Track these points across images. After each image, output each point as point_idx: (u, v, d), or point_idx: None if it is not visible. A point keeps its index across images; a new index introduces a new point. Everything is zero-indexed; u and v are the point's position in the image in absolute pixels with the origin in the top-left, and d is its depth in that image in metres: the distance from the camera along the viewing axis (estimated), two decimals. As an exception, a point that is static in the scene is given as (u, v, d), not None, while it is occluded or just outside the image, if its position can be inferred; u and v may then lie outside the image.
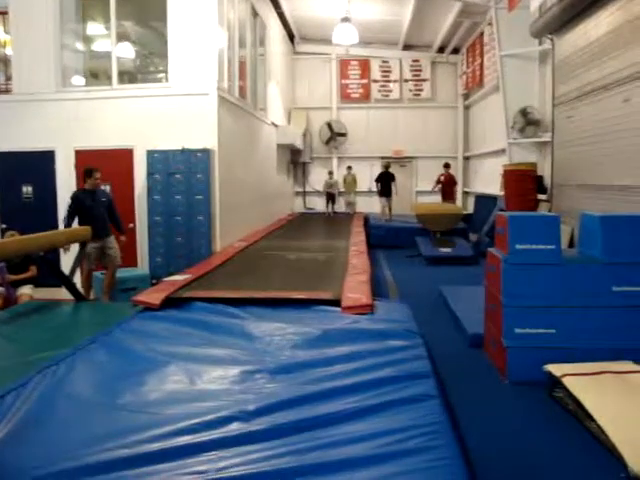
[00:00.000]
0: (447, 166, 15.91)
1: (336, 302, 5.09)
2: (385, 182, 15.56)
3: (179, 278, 6.27)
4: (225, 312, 5.02)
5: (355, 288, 5.54)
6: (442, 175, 15.89)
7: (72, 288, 6.62)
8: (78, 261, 6.97)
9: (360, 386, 3.37)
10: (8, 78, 9.59)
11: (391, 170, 15.98)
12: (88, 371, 3.70)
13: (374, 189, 18.34)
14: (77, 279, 6.89)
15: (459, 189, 17.54)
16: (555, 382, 4.19)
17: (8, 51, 9.62)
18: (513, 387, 4.59)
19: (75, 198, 7.18)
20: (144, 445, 2.67)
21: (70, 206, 7.12)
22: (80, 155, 9.06)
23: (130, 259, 8.77)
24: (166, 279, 6.45)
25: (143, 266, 8.70)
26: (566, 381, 4.03)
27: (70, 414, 3.06)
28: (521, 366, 4.63)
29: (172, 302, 5.32)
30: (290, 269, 7.53)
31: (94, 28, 10.24)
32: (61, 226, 7.50)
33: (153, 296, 5.41)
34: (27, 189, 9.25)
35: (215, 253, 8.60)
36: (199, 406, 3.12)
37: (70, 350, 4.08)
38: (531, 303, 4.69)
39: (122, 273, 7.47)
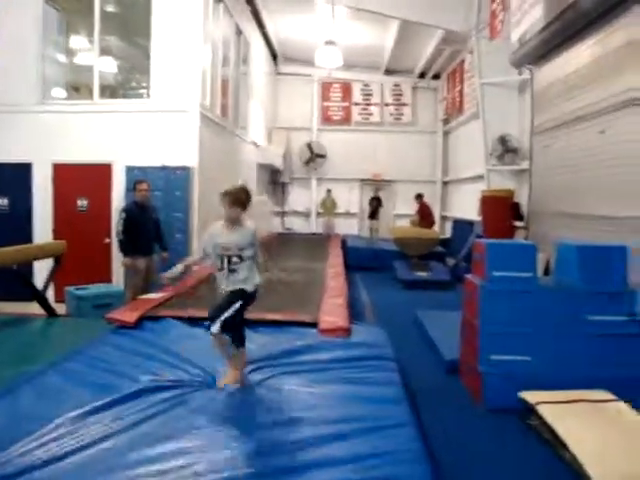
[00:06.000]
0: (419, 197, 14.65)
1: (313, 324, 5.06)
2: (374, 206, 16.44)
3: (155, 296, 6.19)
4: (200, 331, 4.96)
5: (332, 311, 5.51)
6: (417, 210, 14.70)
7: (44, 303, 6.52)
8: (52, 275, 6.87)
9: (332, 411, 3.34)
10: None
11: (379, 195, 16.91)
12: (55, 391, 3.61)
13: (352, 211, 18.62)
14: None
15: (436, 213, 17.53)
16: (530, 410, 4.19)
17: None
18: (488, 414, 4.57)
19: (129, 211, 7.08)
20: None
21: (125, 220, 6.98)
22: (58, 169, 8.99)
23: (105, 275, 8.67)
24: (141, 297, 6.36)
25: (118, 282, 8.57)
26: (541, 409, 4.04)
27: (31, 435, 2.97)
28: (496, 393, 4.63)
29: (147, 320, 5.25)
30: (267, 290, 7.46)
31: (77, 41, 10.22)
32: (115, 239, 7.38)
33: (128, 314, 5.32)
34: (3, 201, 9.13)
35: (192, 271, 8.51)
36: (164, 433, 3.06)
37: (41, 367, 3.99)
38: (507, 330, 4.71)
39: (96, 289, 7.36)
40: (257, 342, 4.60)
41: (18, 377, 3.78)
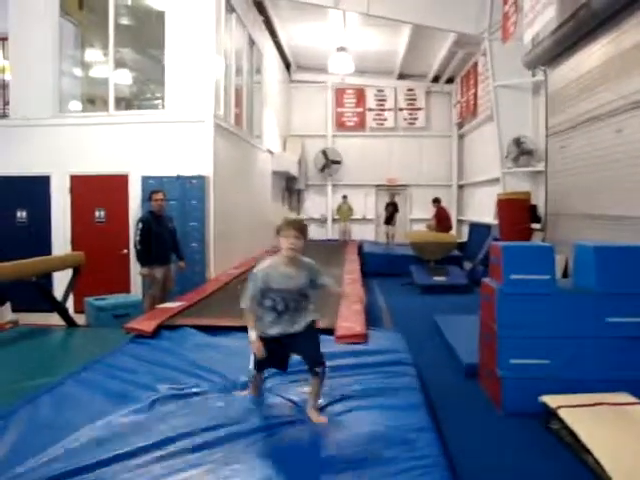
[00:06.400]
0: (436, 201, 14.78)
1: (330, 331, 5.05)
2: (390, 211, 16.58)
3: (172, 305, 6.23)
4: (217, 340, 4.99)
5: (349, 317, 5.51)
6: (434, 214, 14.87)
7: (64, 313, 6.58)
8: (71, 286, 6.93)
9: (351, 417, 3.33)
10: (6, 103, 9.63)
11: (395, 200, 17.07)
12: (74, 401, 3.64)
13: (368, 217, 18.63)
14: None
15: (453, 217, 17.43)
16: (551, 414, 4.15)
17: (7, 76, 9.67)
18: (508, 418, 4.53)
19: (145, 222, 7.14)
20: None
21: (141, 230, 7.05)
22: (75, 180, 9.08)
23: (123, 285, 8.73)
24: (159, 306, 6.40)
25: (136, 292, 8.64)
26: (562, 413, 3.99)
27: (55, 445, 2.99)
28: (516, 397, 4.59)
29: (165, 329, 5.28)
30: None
31: (92, 54, 10.34)
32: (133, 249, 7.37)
33: (145, 323, 5.36)
34: (21, 213, 9.23)
35: (209, 280, 8.56)
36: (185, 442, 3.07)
37: (61, 377, 4.03)
38: (526, 333, 4.66)
39: (115, 299, 7.42)
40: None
41: (39, 388, 3.81)
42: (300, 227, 3.39)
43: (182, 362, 4.41)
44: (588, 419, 3.88)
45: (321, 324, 5.14)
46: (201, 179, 8.79)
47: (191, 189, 8.77)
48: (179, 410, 3.46)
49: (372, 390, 3.77)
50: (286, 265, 3.39)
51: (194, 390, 3.80)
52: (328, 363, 4.10)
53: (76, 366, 4.34)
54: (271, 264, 3.42)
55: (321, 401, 3.50)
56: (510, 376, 4.65)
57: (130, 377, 4.07)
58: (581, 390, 4.35)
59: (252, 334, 3.43)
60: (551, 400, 4.21)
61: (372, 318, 7.19)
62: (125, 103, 10.17)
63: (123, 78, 10.11)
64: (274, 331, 3.44)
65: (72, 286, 6.98)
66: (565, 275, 8.16)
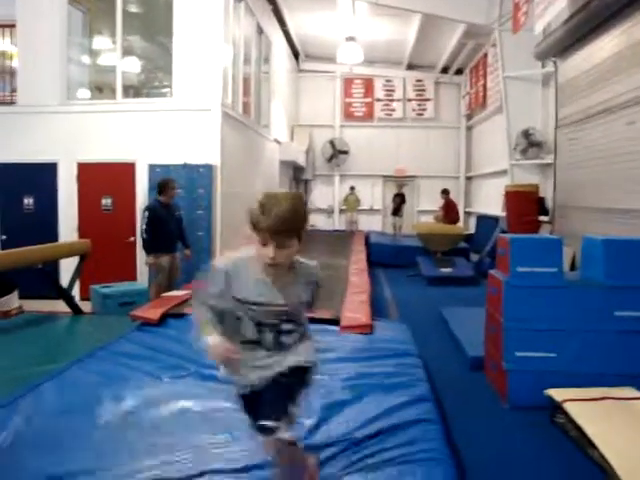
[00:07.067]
0: (445, 192, 14.74)
1: (335, 321, 5.03)
2: (397, 202, 16.47)
3: (178, 294, 6.23)
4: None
5: (355, 307, 5.49)
6: (441, 206, 14.90)
7: (70, 301, 6.60)
8: (77, 274, 6.95)
9: (354, 408, 3.32)
10: (13, 90, 9.63)
11: (403, 191, 17.03)
12: (80, 387, 3.64)
13: (375, 207, 18.60)
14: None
15: (460, 209, 17.36)
16: (556, 407, 4.12)
17: (14, 63, 9.67)
18: (514, 411, 4.51)
19: (153, 210, 7.13)
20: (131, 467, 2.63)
21: (149, 218, 7.04)
22: (82, 168, 9.08)
23: (129, 273, 8.74)
24: (165, 294, 6.40)
25: (142, 280, 8.65)
26: (567, 406, 3.97)
27: (60, 432, 2.99)
28: (522, 390, 4.56)
29: (170, 317, 5.28)
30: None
31: (100, 42, 10.31)
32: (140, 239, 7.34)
33: (151, 311, 5.36)
34: (28, 201, 9.25)
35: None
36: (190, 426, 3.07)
37: (66, 364, 4.04)
38: (532, 326, 4.63)
39: (121, 287, 7.43)
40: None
41: (44, 374, 3.82)
42: (291, 221, 2.07)
43: (187, 350, 4.40)
44: (593, 413, 3.85)
45: (326, 314, 5.14)
46: (208, 167, 8.77)
47: (198, 177, 8.76)
48: (184, 396, 3.46)
49: (377, 381, 3.76)
50: (268, 273, 2.16)
51: (198, 378, 3.79)
52: (333, 354, 4.07)
53: (81, 353, 4.35)
54: (242, 260, 2.20)
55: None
56: (516, 369, 4.62)
57: (135, 364, 4.08)
58: (587, 384, 4.32)
59: (210, 337, 2.15)
60: (557, 393, 4.19)
61: (378, 309, 7.17)
62: (133, 91, 10.15)
63: (131, 66, 10.08)
64: (243, 379, 2.29)
65: (78, 273, 7.00)
66: (573, 268, 8.12)
